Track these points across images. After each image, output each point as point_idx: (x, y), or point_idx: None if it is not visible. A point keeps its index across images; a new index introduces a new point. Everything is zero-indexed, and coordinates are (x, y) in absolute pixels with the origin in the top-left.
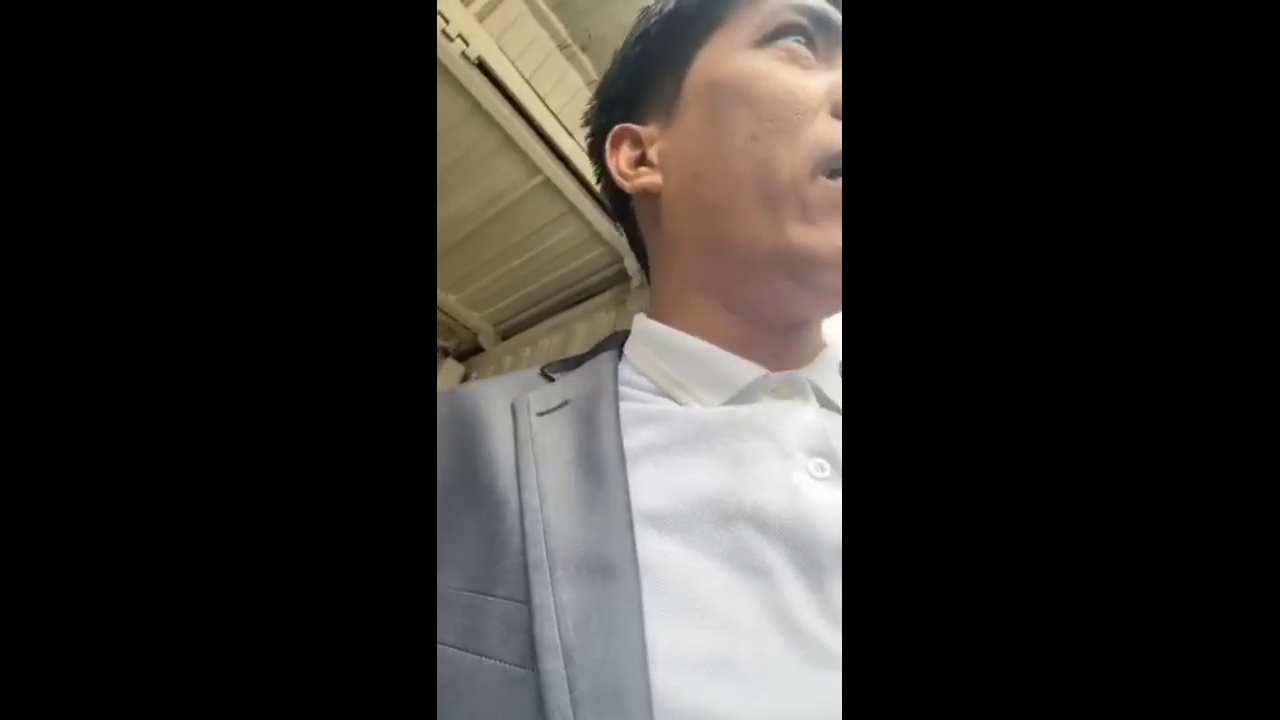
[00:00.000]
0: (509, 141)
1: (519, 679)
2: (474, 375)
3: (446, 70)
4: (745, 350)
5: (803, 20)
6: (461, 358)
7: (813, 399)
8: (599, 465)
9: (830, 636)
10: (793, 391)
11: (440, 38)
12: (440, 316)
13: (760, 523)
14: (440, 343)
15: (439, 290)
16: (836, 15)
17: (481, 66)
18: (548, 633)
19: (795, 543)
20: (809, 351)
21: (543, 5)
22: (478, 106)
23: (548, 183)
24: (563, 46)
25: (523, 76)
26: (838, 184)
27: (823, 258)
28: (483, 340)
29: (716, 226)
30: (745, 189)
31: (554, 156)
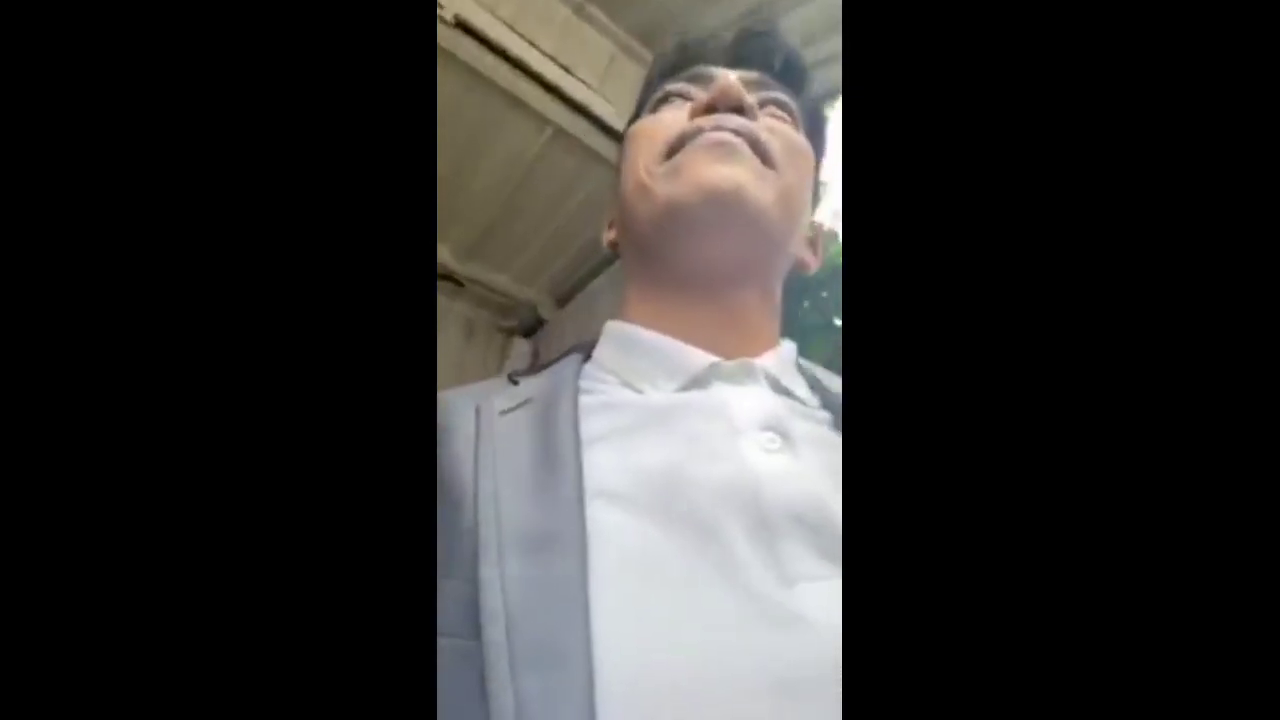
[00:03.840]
0: (513, 100)
1: (468, 651)
2: (542, 350)
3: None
4: (696, 338)
5: (680, 88)
6: (527, 334)
7: (765, 383)
8: (554, 452)
9: (784, 596)
10: (745, 377)
11: None
12: (497, 298)
13: (710, 493)
14: (501, 323)
15: (490, 273)
16: (715, 71)
17: (463, 27)
18: (491, 603)
19: (747, 510)
20: (763, 344)
21: None
22: (475, 75)
23: (559, 132)
24: None
25: (507, 25)
26: (683, 152)
27: (684, 199)
28: (543, 312)
29: (628, 232)
30: (628, 195)
31: (560, 100)
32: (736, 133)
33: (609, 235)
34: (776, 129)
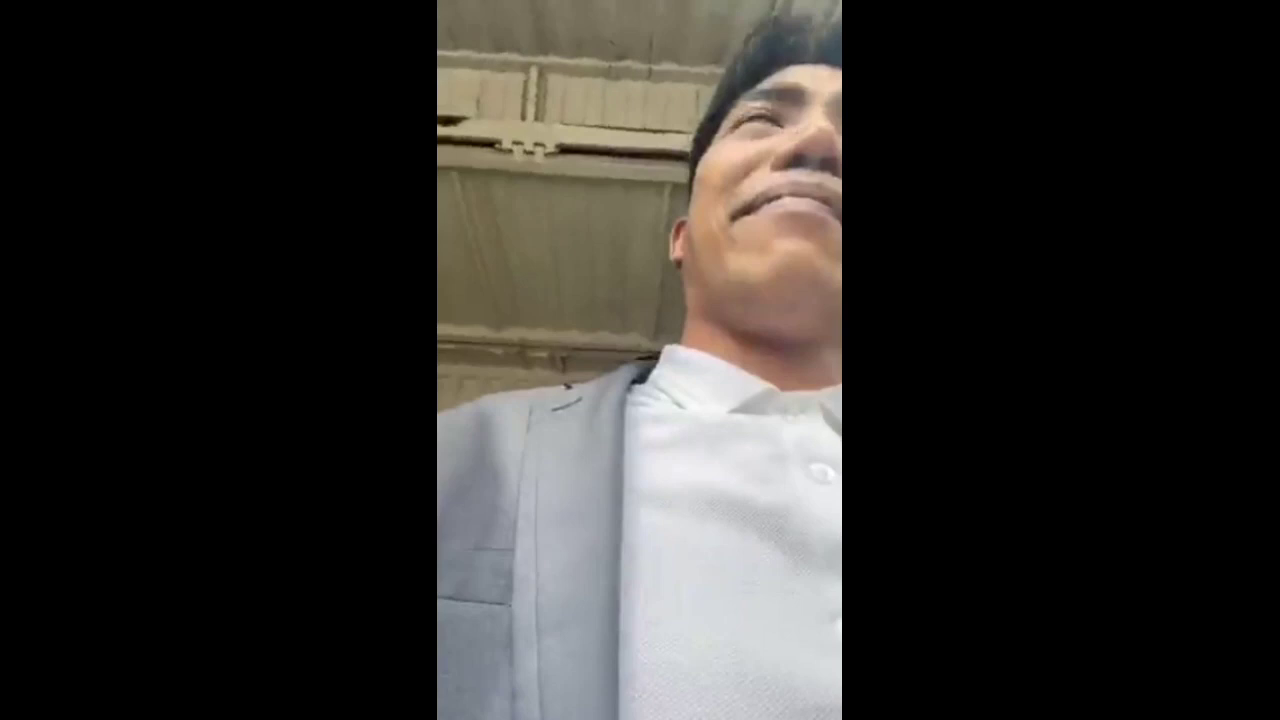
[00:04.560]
0: (628, 183)
1: (497, 614)
2: None
3: (551, 176)
4: (757, 373)
5: (763, 106)
6: None
7: (820, 417)
8: (597, 442)
9: (820, 629)
10: (801, 409)
11: (524, 159)
12: None
13: (753, 512)
14: None
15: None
16: (808, 79)
17: (566, 150)
18: (525, 569)
19: (788, 536)
20: (823, 381)
21: (581, 63)
22: (592, 182)
23: (678, 186)
24: (607, 75)
25: (598, 126)
26: (757, 216)
27: (755, 277)
28: None
29: (694, 277)
30: (696, 243)
31: (666, 159)
32: (819, 196)
33: (677, 251)
34: None
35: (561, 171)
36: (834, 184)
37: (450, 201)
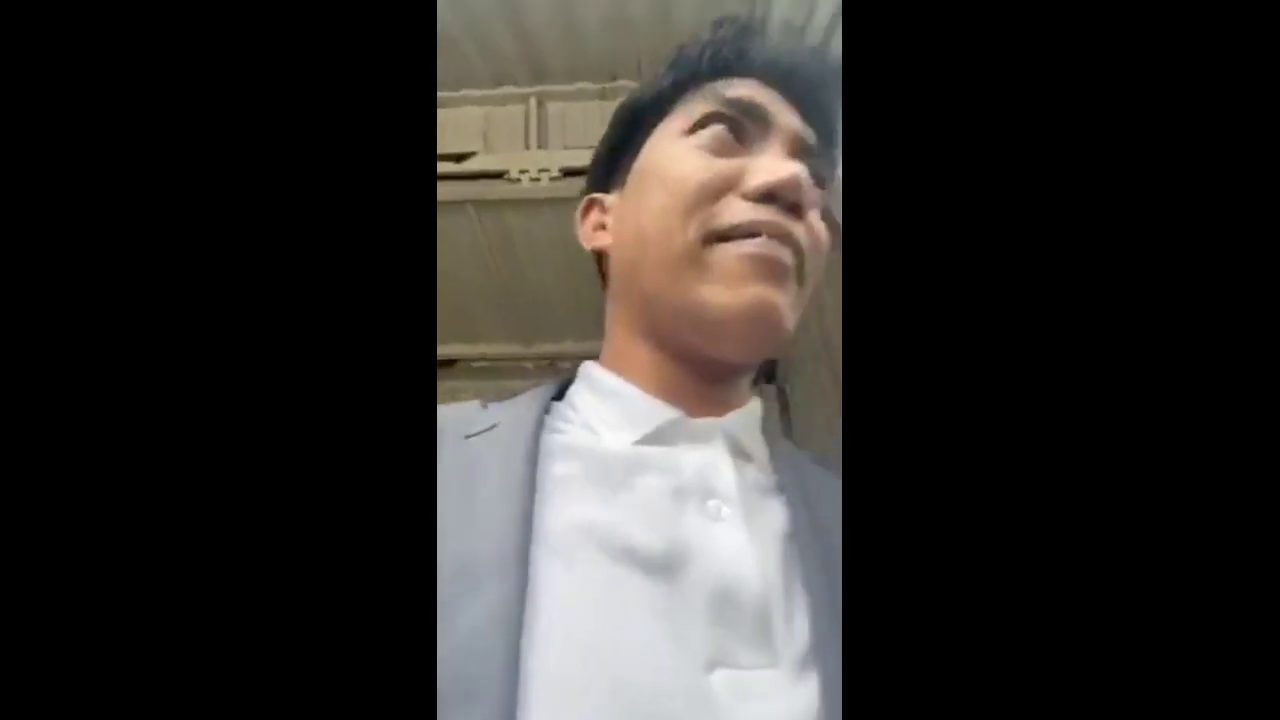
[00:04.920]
0: None
1: None
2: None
3: (558, 199)
4: (671, 395)
5: (728, 111)
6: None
7: (723, 446)
8: (507, 486)
9: (699, 679)
10: (707, 437)
11: (531, 185)
12: None
13: (644, 559)
14: None
15: None
16: (770, 104)
17: (569, 172)
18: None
19: (674, 582)
20: (735, 403)
21: (577, 88)
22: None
23: None
24: (602, 96)
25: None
26: (732, 247)
27: (724, 311)
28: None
29: (636, 282)
30: (651, 253)
31: None
32: (789, 241)
33: (598, 237)
34: (815, 229)
35: (567, 194)
36: (799, 229)
37: (469, 233)
